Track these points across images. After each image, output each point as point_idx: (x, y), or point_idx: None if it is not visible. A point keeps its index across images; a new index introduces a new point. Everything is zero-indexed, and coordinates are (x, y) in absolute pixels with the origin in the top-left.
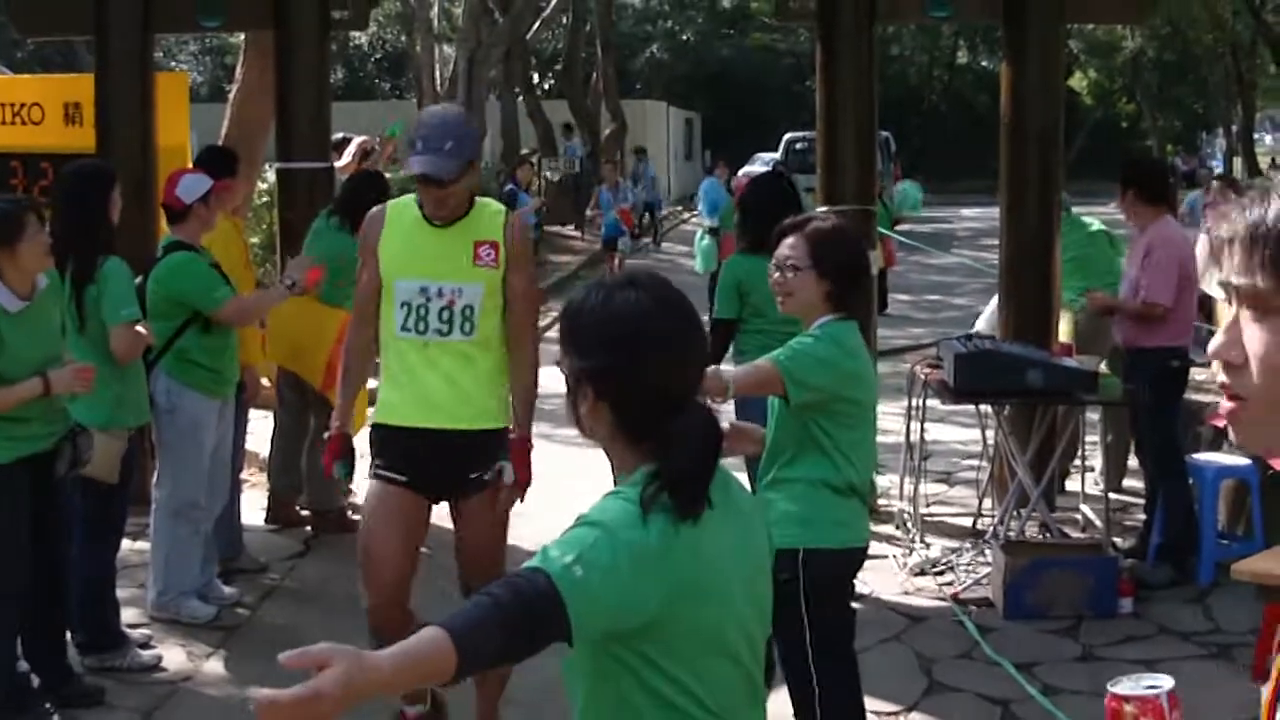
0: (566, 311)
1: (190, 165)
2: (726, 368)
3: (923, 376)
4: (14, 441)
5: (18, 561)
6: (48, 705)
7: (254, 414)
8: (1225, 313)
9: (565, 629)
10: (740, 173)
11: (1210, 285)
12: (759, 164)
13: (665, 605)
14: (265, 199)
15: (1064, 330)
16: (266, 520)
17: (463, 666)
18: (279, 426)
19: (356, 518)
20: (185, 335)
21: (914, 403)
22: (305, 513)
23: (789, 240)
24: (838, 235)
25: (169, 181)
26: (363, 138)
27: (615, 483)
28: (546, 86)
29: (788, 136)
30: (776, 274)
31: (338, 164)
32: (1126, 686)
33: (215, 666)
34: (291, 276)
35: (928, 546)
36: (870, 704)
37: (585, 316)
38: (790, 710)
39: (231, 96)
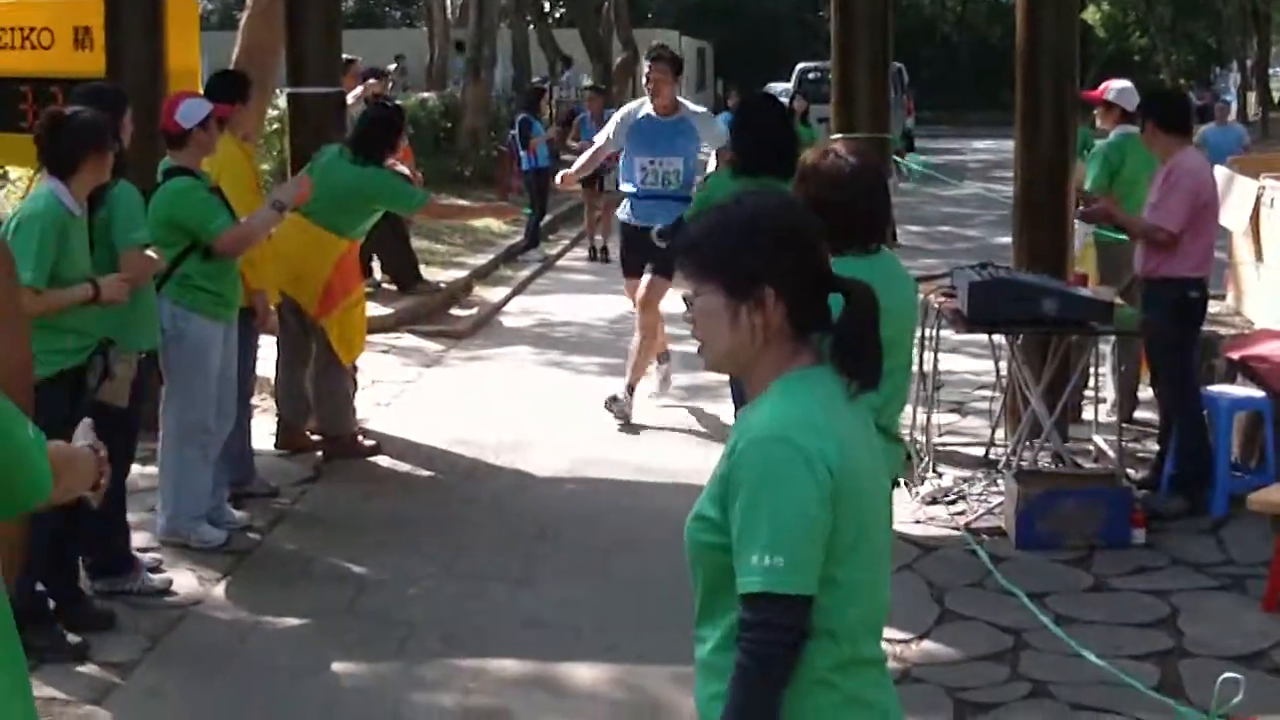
0: (701, 234)
1: (200, 90)
2: None
3: (936, 305)
4: (53, 355)
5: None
6: (60, 627)
7: (264, 339)
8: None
9: (807, 608)
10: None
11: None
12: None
13: (835, 534)
14: (276, 125)
15: (1084, 261)
16: (276, 446)
17: None
18: (281, 352)
19: (369, 442)
20: (186, 260)
21: (927, 332)
22: (316, 438)
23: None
24: (816, 171)
25: (168, 106)
26: (371, 81)
27: (746, 400)
28: (558, 15)
29: (800, 66)
30: None
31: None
32: None
33: (225, 591)
34: (278, 198)
35: (940, 476)
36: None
37: (738, 226)
38: None
39: (242, 23)
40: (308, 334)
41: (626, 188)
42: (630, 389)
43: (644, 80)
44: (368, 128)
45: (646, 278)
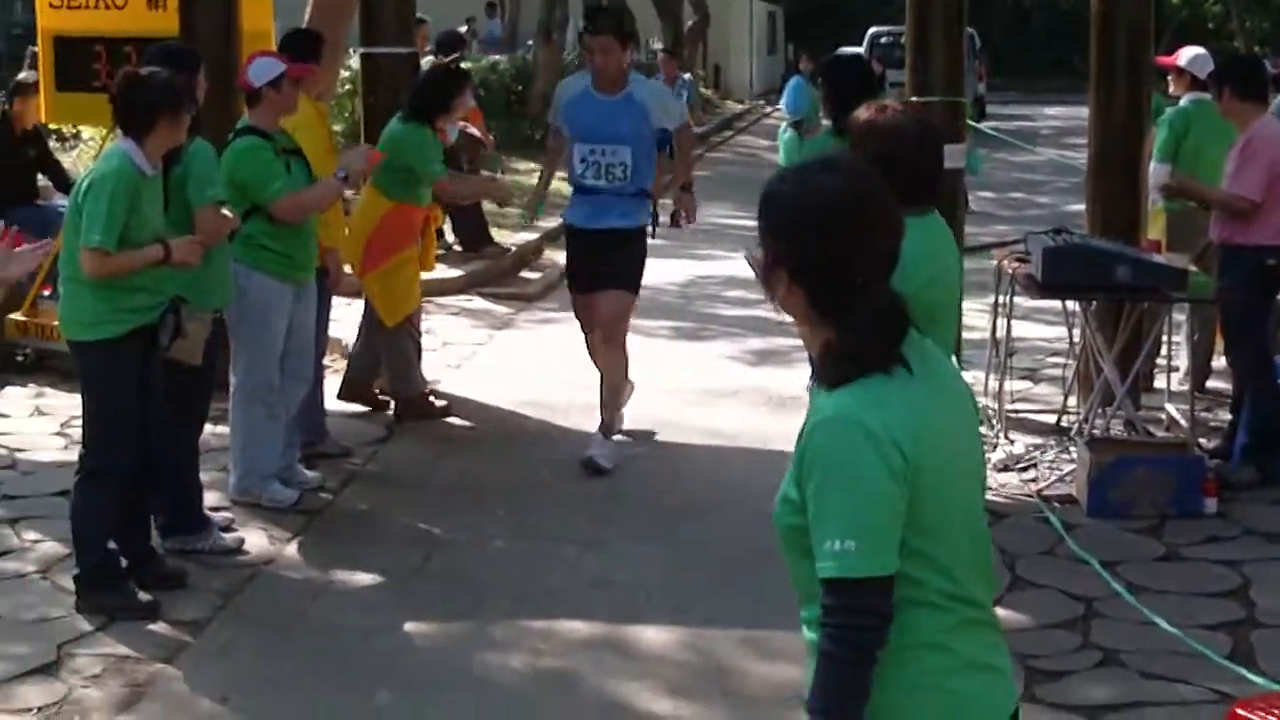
0: (763, 196)
1: (274, 49)
2: None
3: (1010, 271)
4: (126, 313)
5: (127, 438)
6: (132, 585)
7: (337, 300)
8: None
9: (887, 588)
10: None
11: None
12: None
13: (909, 503)
14: (348, 86)
15: (1155, 227)
16: (338, 396)
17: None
18: (367, 307)
19: (440, 403)
20: (251, 219)
21: (1000, 299)
22: (383, 396)
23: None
24: (875, 126)
25: (245, 64)
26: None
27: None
28: None
29: (872, 30)
30: None
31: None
32: None
33: (296, 551)
34: (345, 168)
35: (1012, 443)
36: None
37: (780, 199)
38: None
39: None
40: None
41: (573, 179)
42: (607, 433)
43: (589, 56)
44: (420, 87)
45: (603, 294)
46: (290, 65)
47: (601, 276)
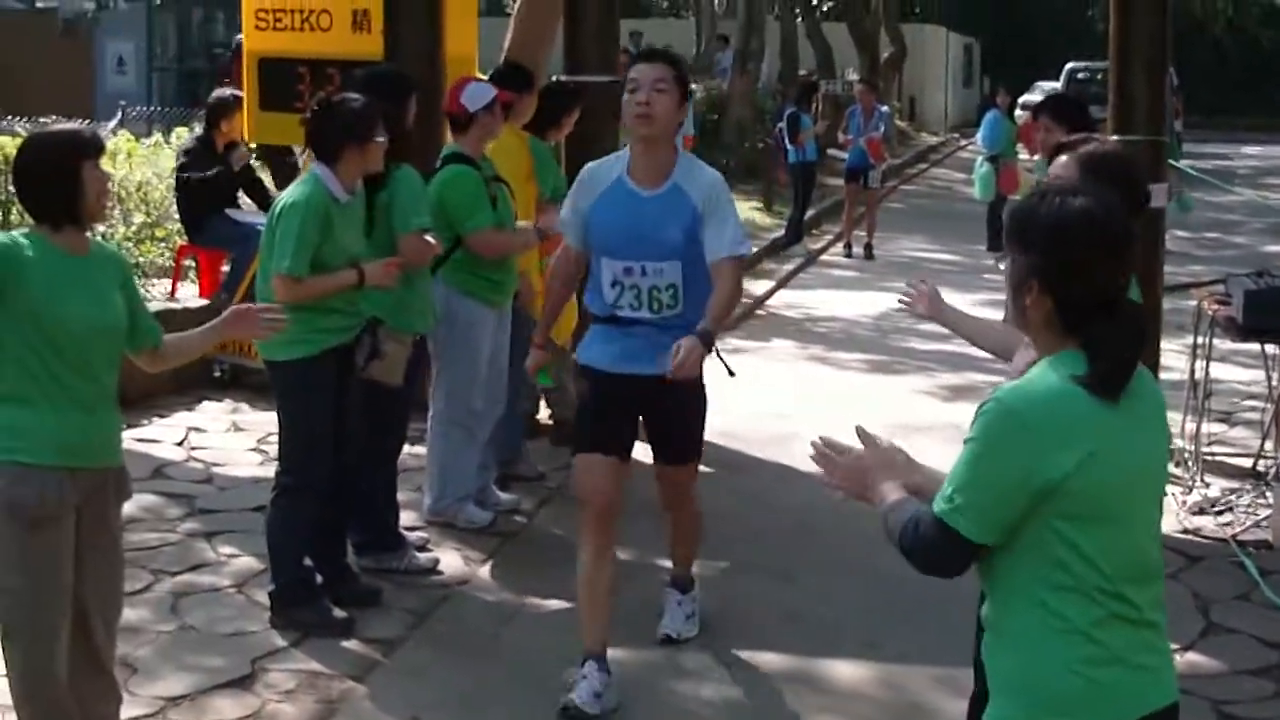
0: (1017, 213)
1: (477, 76)
2: None
3: (1210, 313)
4: (321, 334)
5: (323, 455)
6: (327, 603)
7: None
8: None
9: (977, 552)
10: (1020, 101)
11: None
12: (1039, 93)
13: (1056, 483)
14: None
15: None
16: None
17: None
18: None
19: None
20: (463, 245)
21: (1198, 340)
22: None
23: (1062, 159)
24: (1110, 160)
25: (454, 88)
26: None
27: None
28: (826, 8)
29: (1069, 66)
30: None
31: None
32: None
33: (489, 572)
34: (545, 227)
35: (1207, 486)
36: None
37: (1038, 217)
38: None
39: (516, 7)
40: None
41: (592, 308)
42: (687, 585)
43: (629, 96)
44: (539, 105)
45: (662, 469)
46: (500, 92)
47: (657, 442)
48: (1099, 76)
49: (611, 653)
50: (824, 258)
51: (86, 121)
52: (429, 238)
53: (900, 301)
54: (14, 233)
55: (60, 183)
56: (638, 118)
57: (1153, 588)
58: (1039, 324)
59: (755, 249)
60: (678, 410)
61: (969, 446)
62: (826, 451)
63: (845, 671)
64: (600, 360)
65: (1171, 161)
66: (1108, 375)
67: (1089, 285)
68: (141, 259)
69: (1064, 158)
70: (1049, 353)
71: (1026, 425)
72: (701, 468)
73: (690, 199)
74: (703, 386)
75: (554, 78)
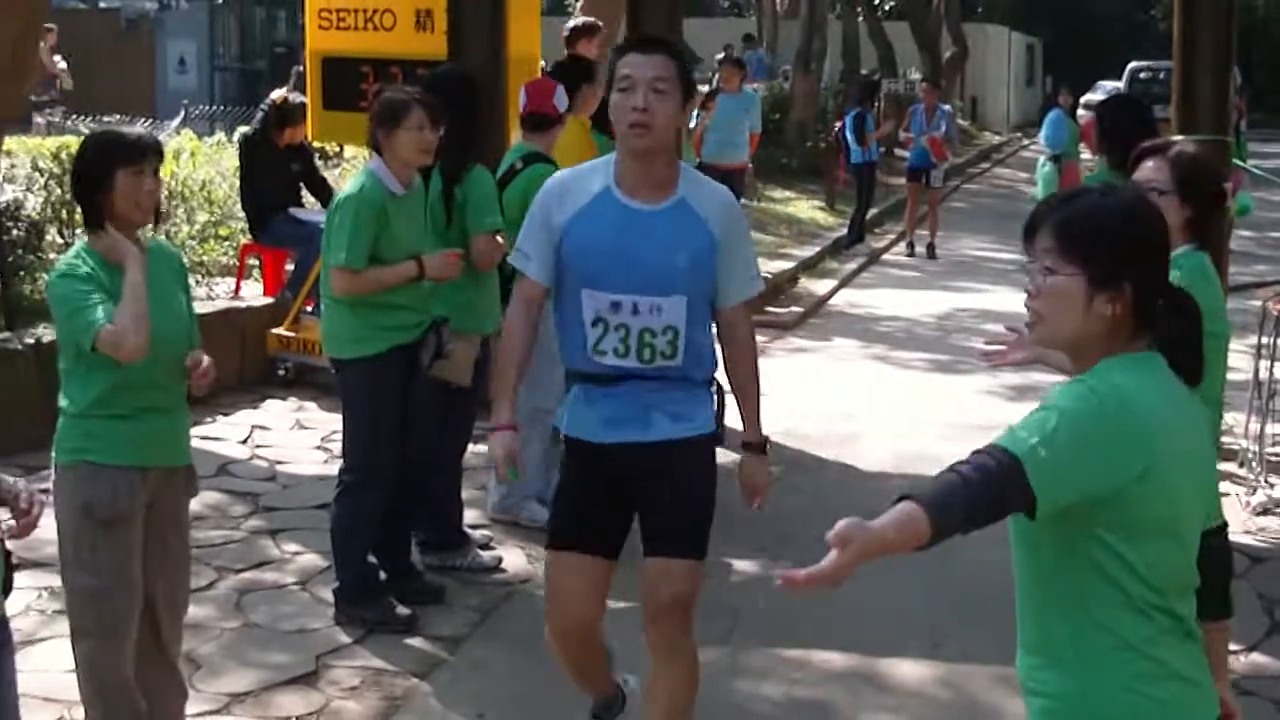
0: (1078, 214)
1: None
2: None
3: (1275, 312)
4: (386, 331)
5: (387, 454)
6: (392, 599)
7: None
8: None
9: (1030, 503)
10: (1082, 101)
11: None
12: (1100, 92)
13: (1117, 487)
14: None
15: None
16: None
17: (936, 536)
18: None
19: None
20: None
21: (1263, 340)
22: None
23: (1151, 163)
24: (1202, 161)
25: (540, 89)
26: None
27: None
28: (888, 7)
29: (1132, 65)
30: None
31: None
32: None
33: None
34: None
35: (1272, 486)
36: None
37: (1118, 215)
38: None
39: (577, 8)
40: None
41: (566, 359)
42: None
43: (619, 96)
44: (604, 103)
45: (653, 564)
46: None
47: (650, 529)
48: (1161, 76)
49: None
50: (886, 257)
51: (149, 121)
52: (500, 239)
53: (984, 356)
54: (75, 246)
55: (90, 187)
56: (633, 126)
57: (1192, 599)
58: (1108, 330)
59: (817, 249)
60: (679, 488)
61: (1056, 413)
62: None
63: (907, 670)
64: (578, 428)
65: (1236, 161)
66: (1192, 370)
67: (1163, 278)
68: (205, 258)
69: (1152, 161)
70: (1107, 354)
71: (1107, 405)
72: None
73: (703, 220)
74: (712, 460)
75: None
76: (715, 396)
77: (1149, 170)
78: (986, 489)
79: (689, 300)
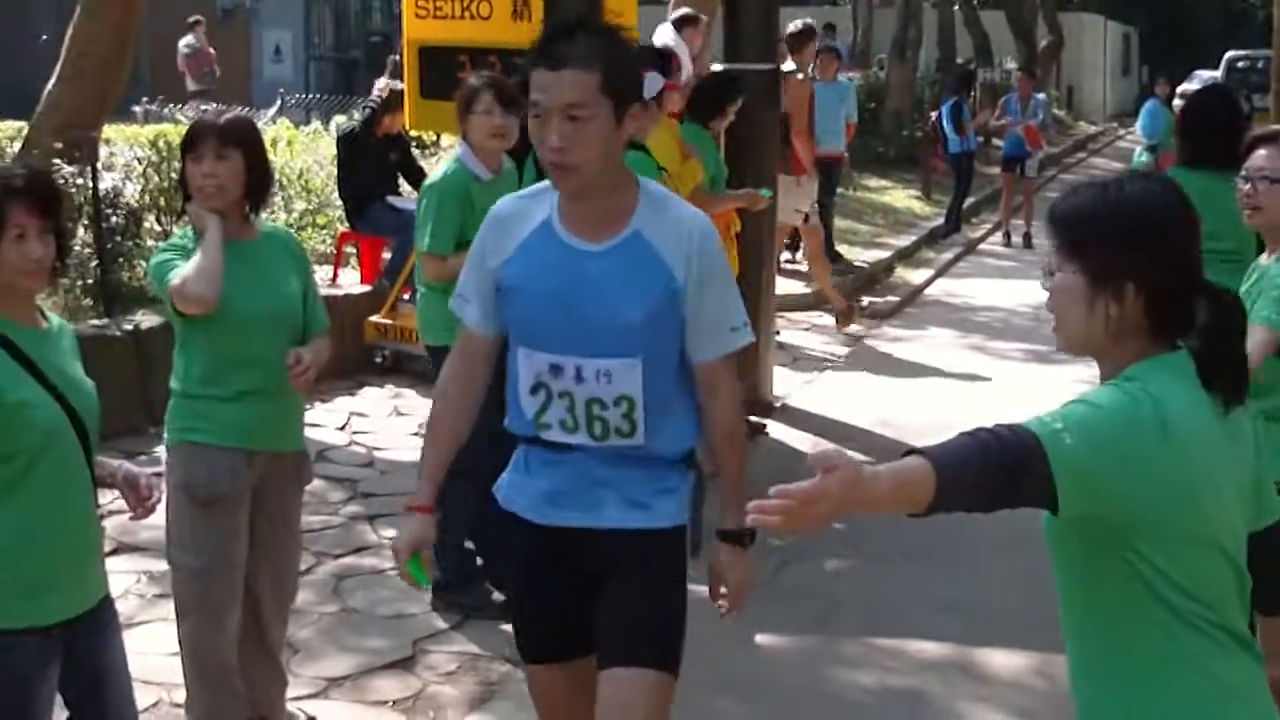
0: (1076, 211)
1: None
2: None
3: None
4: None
5: (482, 441)
6: (486, 585)
7: None
8: None
9: (1049, 491)
10: (1178, 90)
11: None
12: (1197, 81)
13: (1153, 504)
14: None
15: None
16: None
17: (938, 499)
18: None
19: (756, 420)
20: None
21: None
22: None
23: (1264, 151)
24: None
25: None
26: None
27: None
28: None
29: (1229, 55)
30: (1247, 185)
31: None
32: None
33: None
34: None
35: None
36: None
37: (1111, 212)
38: None
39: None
40: None
41: (510, 425)
42: None
43: (532, 123)
44: (696, 92)
45: (608, 675)
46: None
47: (603, 632)
48: (1260, 65)
49: (768, 638)
50: (982, 247)
51: (246, 109)
52: None
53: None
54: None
55: (182, 170)
56: (550, 166)
57: (1245, 609)
58: (1125, 332)
59: (913, 239)
60: (634, 589)
61: (1089, 408)
62: (786, 503)
63: (1001, 661)
64: (515, 502)
65: None
66: (1229, 375)
67: (1185, 271)
68: (303, 245)
69: (1264, 149)
70: (1135, 359)
71: (1169, 434)
72: (858, 453)
73: (661, 258)
74: (681, 559)
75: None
76: (691, 478)
77: (1261, 158)
78: (1003, 465)
79: (647, 362)
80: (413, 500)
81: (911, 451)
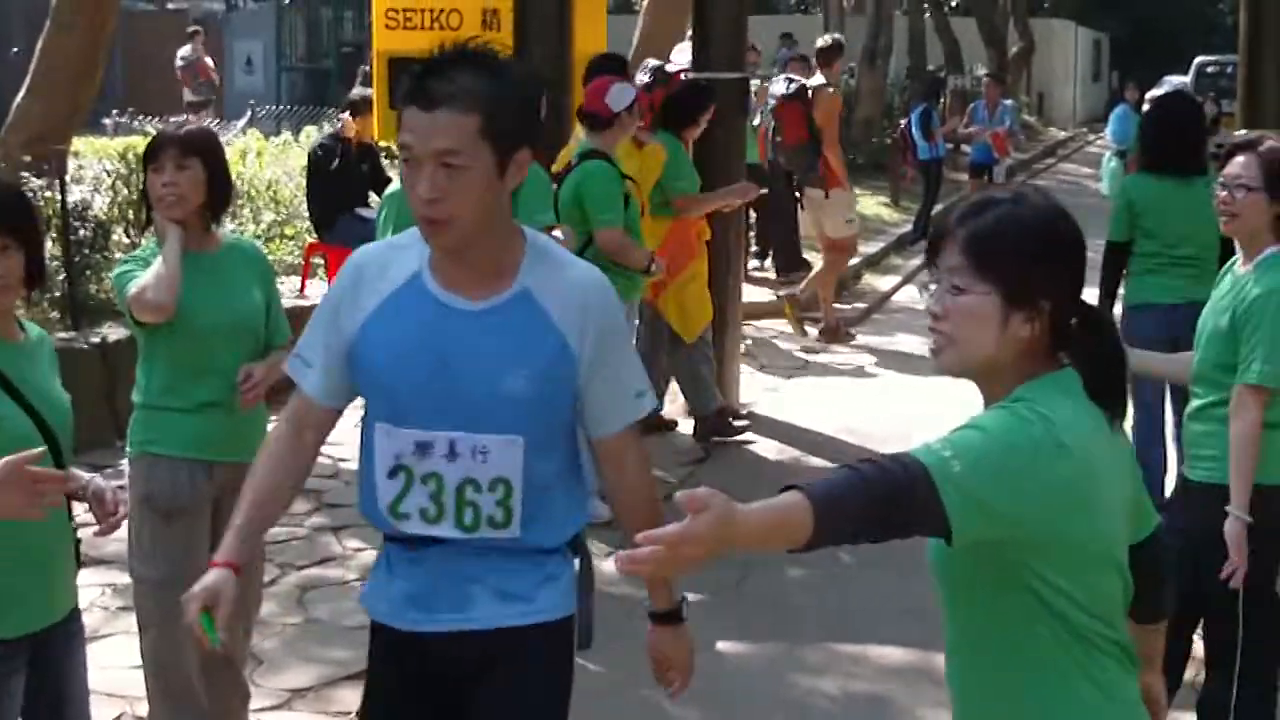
0: (991, 229)
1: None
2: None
3: None
4: None
5: None
6: None
7: None
8: None
9: (941, 520)
10: (1148, 96)
11: None
12: (1166, 87)
13: (1050, 524)
14: None
15: None
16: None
17: (817, 535)
18: (636, 334)
19: (739, 421)
20: (593, 245)
21: None
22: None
23: (1240, 159)
24: None
25: (596, 89)
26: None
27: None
28: (954, 3)
29: (1198, 60)
30: (1223, 193)
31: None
32: None
33: (613, 565)
34: (658, 265)
35: None
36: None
37: (1034, 231)
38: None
39: (644, 6)
40: (658, 314)
41: (365, 513)
42: None
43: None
44: (669, 100)
45: None
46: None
47: None
48: (1228, 70)
49: (730, 646)
50: None
51: (216, 121)
52: (557, 232)
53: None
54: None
55: (145, 182)
56: (422, 220)
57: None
58: (1024, 350)
59: (882, 245)
60: (515, 690)
61: (979, 433)
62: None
63: None
64: (380, 609)
65: None
66: (1116, 391)
67: (1078, 290)
68: (271, 257)
69: (1242, 157)
70: (1021, 380)
71: (1068, 454)
72: (825, 461)
73: (552, 321)
74: (566, 655)
75: (682, 75)
76: (575, 564)
77: (1238, 166)
78: (888, 495)
79: (529, 442)
80: (218, 555)
81: (790, 487)
